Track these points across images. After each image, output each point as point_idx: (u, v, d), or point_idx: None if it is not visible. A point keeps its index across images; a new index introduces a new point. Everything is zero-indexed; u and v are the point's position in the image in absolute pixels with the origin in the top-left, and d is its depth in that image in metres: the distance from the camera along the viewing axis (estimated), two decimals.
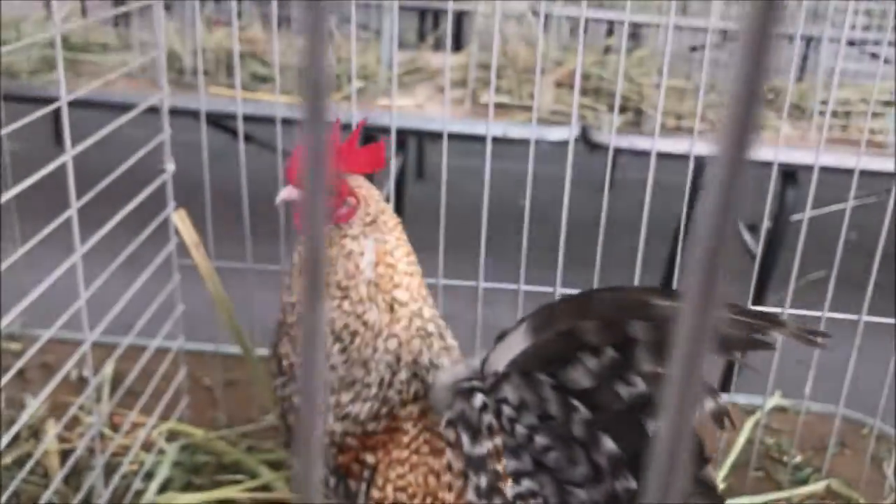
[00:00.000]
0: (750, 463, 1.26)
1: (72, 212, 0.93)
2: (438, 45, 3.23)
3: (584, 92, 2.62)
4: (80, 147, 0.97)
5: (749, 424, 1.29)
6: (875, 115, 2.54)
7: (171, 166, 1.15)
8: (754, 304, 2.10)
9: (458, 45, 3.45)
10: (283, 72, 2.42)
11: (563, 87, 2.66)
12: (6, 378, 0.92)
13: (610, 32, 3.79)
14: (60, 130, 0.96)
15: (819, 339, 0.81)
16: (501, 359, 0.90)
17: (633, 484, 0.86)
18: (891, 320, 1.25)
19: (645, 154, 1.45)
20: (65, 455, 1.20)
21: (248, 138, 2.25)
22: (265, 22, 2.87)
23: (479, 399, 0.91)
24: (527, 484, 0.91)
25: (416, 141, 3.48)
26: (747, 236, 2.61)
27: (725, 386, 2.16)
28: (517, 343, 0.89)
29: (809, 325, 0.88)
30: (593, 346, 0.84)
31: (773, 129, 2.60)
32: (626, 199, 1.33)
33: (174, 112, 1.21)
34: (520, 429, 0.91)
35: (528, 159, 1.30)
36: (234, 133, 2.20)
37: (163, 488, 1.15)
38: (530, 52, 2.72)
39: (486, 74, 2.66)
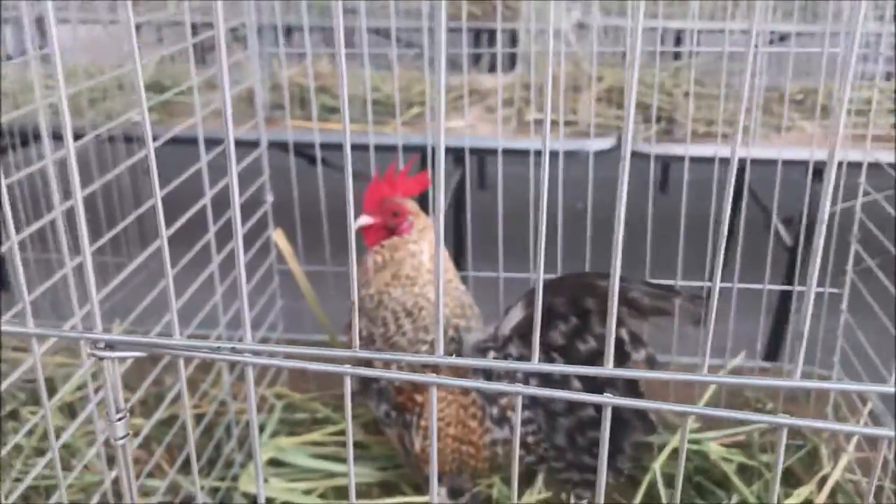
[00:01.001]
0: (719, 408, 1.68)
1: (209, 236, 1.41)
2: (493, 67, 3.69)
3: (620, 105, 3.05)
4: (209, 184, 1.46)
5: (721, 373, 1.71)
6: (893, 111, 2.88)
7: (270, 198, 1.64)
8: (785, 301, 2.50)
9: (512, 63, 3.89)
10: (350, 103, 2.92)
11: (603, 101, 3.09)
12: (160, 365, 1.42)
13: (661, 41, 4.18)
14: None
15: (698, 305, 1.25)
16: (507, 326, 1.36)
17: (592, 412, 1.32)
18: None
19: (679, 159, 1.86)
20: (199, 418, 1.69)
21: (322, 163, 2.76)
22: (332, 58, 3.37)
23: (491, 354, 1.37)
24: (526, 413, 1.37)
25: (475, 156, 3.96)
26: (782, 230, 2.98)
27: (773, 353, 2.56)
28: (517, 315, 1.35)
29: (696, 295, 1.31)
30: (563, 315, 1.29)
31: (801, 129, 2.97)
32: (673, 199, 1.72)
33: (257, 143, 1.70)
34: (519, 374, 1.36)
35: (577, 166, 1.77)
36: (309, 159, 2.70)
37: (272, 437, 1.64)
38: (572, 69, 3.15)
39: (529, 93, 3.11)
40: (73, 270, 1.03)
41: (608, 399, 0.64)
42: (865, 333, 1.57)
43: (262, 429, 1.67)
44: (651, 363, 1.26)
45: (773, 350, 2.52)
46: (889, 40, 3.54)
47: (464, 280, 1.67)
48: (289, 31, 4.30)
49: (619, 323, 1.25)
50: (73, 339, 0.67)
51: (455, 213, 3.06)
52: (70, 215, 0.95)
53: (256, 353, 0.66)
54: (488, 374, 1.37)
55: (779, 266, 2.66)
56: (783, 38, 3.87)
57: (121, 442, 0.71)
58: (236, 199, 0.62)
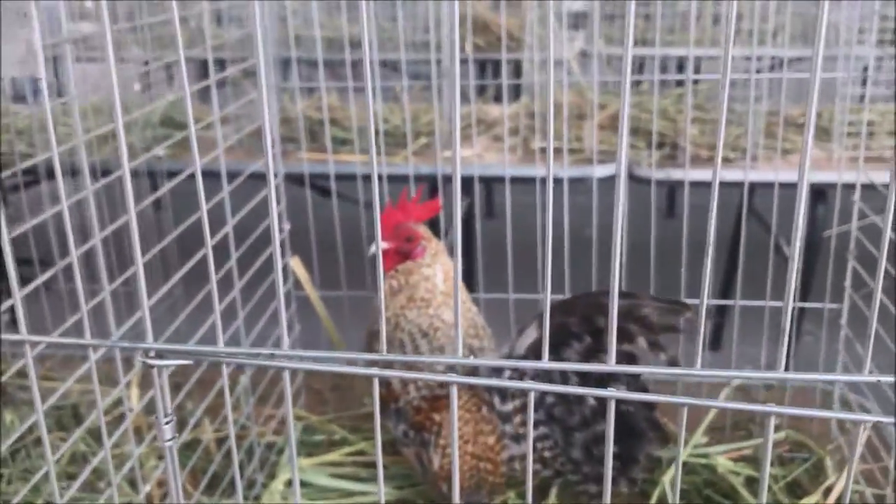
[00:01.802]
0: (726, 424, 1.75)
1: (232, 262, 1.50)
2: (498, 97, 3.79)
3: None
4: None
5: (724, 392, 1.78)
6: (891, 133, 2.96)
7: (287, 226, 1.72)
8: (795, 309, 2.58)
9: (517, 93, 3.99)
10: (360, 134, 3.03)
11: (607, 129, 3.18)
12: (182, 392, 1.50)
13: (664, 69, 4.30)
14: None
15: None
16: (522, 345, 1.44)
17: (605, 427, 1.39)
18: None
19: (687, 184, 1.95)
20: (220, 441, 1.77)
21: (332, 194, 2.86)
22: (340, 91, 3.48)
23: (506, 374, 1.44)
24: (542, 429, 1.44)
25: (483, 185, 4.06)
26: (787, 250, 3.06)
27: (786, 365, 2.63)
28: (531, 334, 1.43)
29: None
30: (577, 334, 1.36)
31: (800, 151, 3.05)
32: (679, 224, 1.80)
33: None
34: (534, 392, 1.44)
35: (581, 194, 1.86)
36: (320, 189, 2.80)
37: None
38: (575, 98, 3.25)
39: (533, 122, 3.21)
40: (112, 293, 1.11)
41: (613, 393, 0.71)
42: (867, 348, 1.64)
43: (280, 451, 1.74)
44: (674, 363, 1.33)
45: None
46: (889, 63, 3.64)
47: (475, 302, 1.75)
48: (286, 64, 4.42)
49: (630, 339, 1.32)
50: (127, 349, 0.75)
51: (465, 240, 3.15)
52: (106, 242, 1.04)
53: (294, 359, 0.74)
54: (503, 395, 1.45)
55: (783, 286, 2.73)
56: (783, 63, 3.97)
57: (168, 444, 0.79)
58: (274, 216, 0.71)
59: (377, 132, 3.04)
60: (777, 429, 1.78)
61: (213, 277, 0.75)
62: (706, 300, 0.73)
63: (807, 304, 1.80)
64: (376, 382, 0.74)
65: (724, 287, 3.57)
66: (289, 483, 1.66)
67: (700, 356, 0.72)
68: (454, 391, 0.73)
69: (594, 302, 1.35)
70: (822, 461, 1.68)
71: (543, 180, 2.01)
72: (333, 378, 1.93)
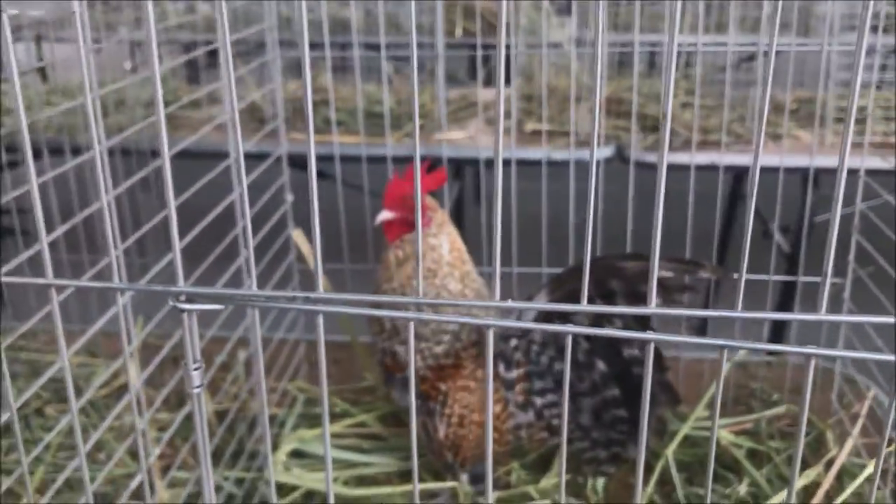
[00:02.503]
0: (728, 400, 1.76)
1: (246, 220, 1.49)
2: (489, 81, 3.79)
3: (618, 115, 3.15)
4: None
5: (725, 368, 1.79)
6: (889, 119, 2.99)
7: (290, 197, 1.71)
8: (787, 295, 2.61)
9: (507, 78, 3.99)
10: (351, 115, 3.01)
11: (600, 112, 3.19)
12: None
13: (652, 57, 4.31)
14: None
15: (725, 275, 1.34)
16: (530, 313, 1.43)
17: (616, 392, 1.39)
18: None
19: (677, 167, 1.95)
20: (220, 415, 1.76)
21: (321, 175, 2.84)
22: (333, 72, 3.46)
23: (512, 341, 1.44)
24: (550, 397, 1.44)
25: (472, 169, 4.05)
26: (780, 237, 3.08)
27: (778, 337, 2.65)
28: (540, 300, 1.42)
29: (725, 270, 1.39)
30: (589, 298, 1.36)
31: (794, 137, 3.08)
32: (671, 207, 1.80)
33: (262, 156, 1.78)
34: (543, 359, 1.44)
35: (572, 177, 1.87)
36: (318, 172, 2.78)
37: (293, 430, 1.71)
38: (568, 81, 3.25)
39: (527, 105, 3.21)
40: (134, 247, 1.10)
41: (652, 335, 0.71)
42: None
43: (283, 423, 1.73)
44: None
45: (778, 342, 2.61)
46: (883, 50, 3.66)
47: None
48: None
49: (645, 301, 1.32)
50: (157, 293, 0.75)
51: (457, 223, 3.15)
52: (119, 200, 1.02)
53: (328, 302, 0.74)
54: (508, 362, 1.45)
55: (778, 272, 2.75)
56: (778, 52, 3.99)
57: (196, 391, 0.78)
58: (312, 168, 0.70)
59: (381, 115, 3.04)
60: (777, 403, 1.79)
61: (248, 213, 0.75)
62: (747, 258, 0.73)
63: (808, 279, 1.81)
64: (411, 326, 0.74)
65: (720, 264, 3.59)
66: (292, 454, 1.65)
67: (740, 301, 0.73)
68: (490, 336, 0.72)
69: (608, 265, 1.35)
70: (823, 434, 1.70)
71: (538, 163, 2.03)
72: (334, 351, 1.92)
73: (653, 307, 0.70)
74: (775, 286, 2.06)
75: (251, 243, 0.75)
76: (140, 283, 0.79)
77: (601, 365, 1.39)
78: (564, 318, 1.40)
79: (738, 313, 0.71)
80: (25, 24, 3.38)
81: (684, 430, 1.65)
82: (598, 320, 1.37)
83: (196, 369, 0.78)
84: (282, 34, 3.02)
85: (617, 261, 1.36)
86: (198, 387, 0.79)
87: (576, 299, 1.37)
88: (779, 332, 2.67)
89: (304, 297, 0.74)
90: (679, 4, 0.63)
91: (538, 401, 1.45)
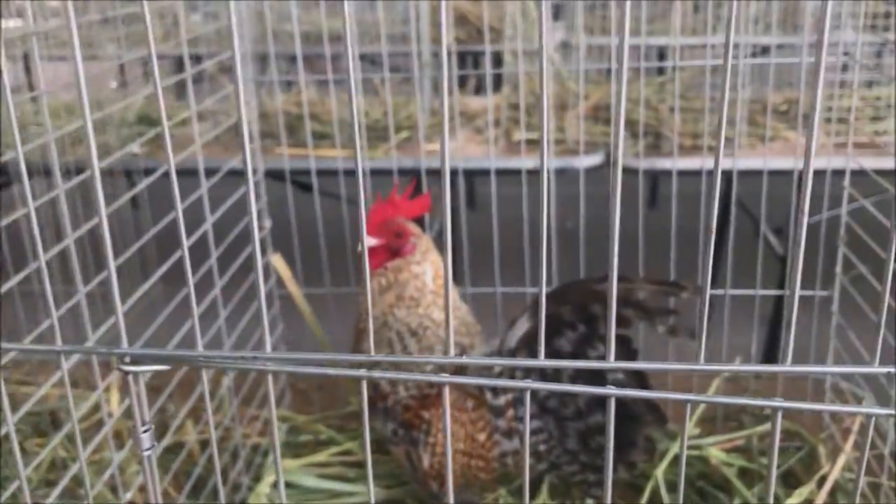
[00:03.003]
0: (718, 415, 1.73)
1: (212, 261, 1.46)
2: (478, 89, 3.76)
3: (606, 121, 3.12)
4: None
5: (714, 383, 1.76)
6: (877, 118, 2.95)
7: (268, 223, 1.68)
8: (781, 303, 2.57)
9: (497, 86, 3.96)
10: (340, 129, 2.98)
11: (589, 119, 3.15)
12: (162, 398, 1.46)
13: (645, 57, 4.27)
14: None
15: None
16: (513, 338, 1.40)
17: (601, 418, 1.35)
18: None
19: (667, 173, 1.92)
20: (203, 444, 1.72)
21: (306, 188, 2.81)
22: (319, 85, 3.43)
23: (496, 368, 1.41)
24: (535, 423, 1.41)
25: (464, 177, 4.02)
26: (773, 239, 3.04)
27: (771, 356, 2.62)
28: (522, 326, 1.39)
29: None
30: (570, 323, 1.33)
31: (784, 140, 3.05)
32: (661, 212, 1.77)
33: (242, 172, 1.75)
34: (525, 378, 1.40)
35: (565, 184, 1.83)
36: (299, 185, 2.76)
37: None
38: (556, 88, 3.22)
39: (515, 114, 3.18)
40: (87, 295, 1.07)
41: (612, 391, 0.68)
42: (858, 333, 1.62)
43: (266, 452, 1.70)
44: (673, 332, 1.29)
45: (770, 358, 2.58)
46: (868, 49, 3.63)
47: (462, 298, 1.73)
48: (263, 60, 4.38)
49: (626, 324, 1.29)
50: (101, 355, 0.71)
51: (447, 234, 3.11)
52: (81, 242, 0.99)
53: (277, 361, 0.70)
54: (495, 389, 1.42)
55: (771, 276, 2.72)
56: (765, 50, 3.96)
57: (147, 452, 0.75)
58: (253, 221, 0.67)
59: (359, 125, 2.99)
60: (769, 418, 1.75)
61: (191, 279, 0.72)
62: (708, 290, 0.70)
63: (797, 293, 1.78)
64: (364, 385, 0.71)
65: (712, 275, 3.56)
66: (275, 485, 1.62)
67: (702, 350, 0.69)
68: (446, 392, 0.69)
69: (587, 289, 1.31)
70: (815, 450, 1.67)
71: (528, 172, 1.99)
72: (319, 377, 1.89)
73: (611, 362, 0.67)
74: (769, 285, 2.03)
75: (195, 307, 0.72)
76: (88, 342, 0.76)
77: (580, 396, 1.36)
78: (549, 344, 1.36)
79: (702, 366, 0.68)
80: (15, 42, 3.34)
81: (674, 449, 1.62)
82: (582, 345, 1.34)
83: (145, 431, 0.75)
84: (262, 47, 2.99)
85: (597, 284, 1.33)
86: (148, 449, 0.75)
87: (556, 324, 1.34)
88: (771, 344, 2.63)
89: (252, 357, 0.70)
90: (628, 4, 0.60)
91: (522, 427, 1.42)
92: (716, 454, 1.65)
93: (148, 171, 1.59)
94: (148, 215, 2.04)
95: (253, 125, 2.61)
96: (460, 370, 1.46)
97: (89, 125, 0.68)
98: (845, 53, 3.02)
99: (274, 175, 2.19)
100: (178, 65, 4.19)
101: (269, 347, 0.71)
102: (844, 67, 2.96)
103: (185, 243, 0.70)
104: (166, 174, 1.52)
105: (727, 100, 0.63)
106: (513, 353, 1.40)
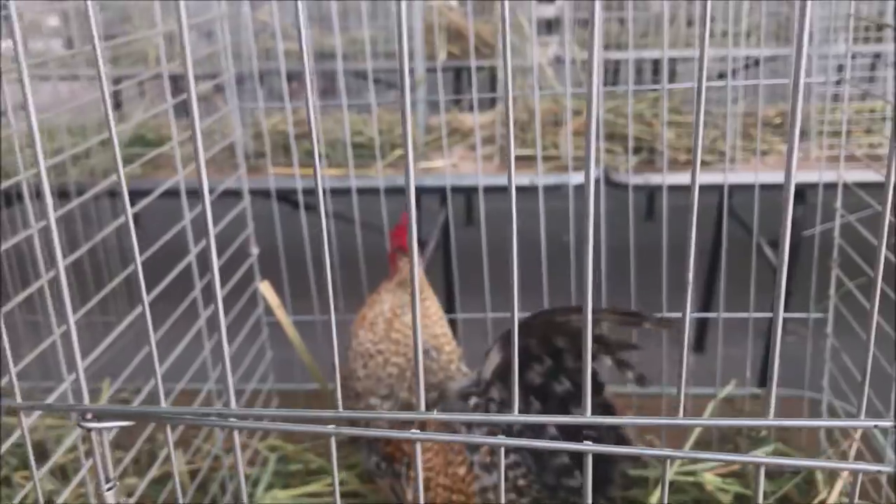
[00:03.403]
0: (713, 438, 1.69)
1: (197, 292, 1.43)
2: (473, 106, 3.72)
3: (602, 137, 3.08)
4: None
5: (709, 406, 1.73)
6: (871, 131, 2.92)
7: (255, 250, 1.65)
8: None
9: (493, 101, 3.92)
10: (333, 147, 2.95)
11: (582, 135, 3.12)
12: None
13: (639, 71, 4.26)
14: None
15: (671, 327, 1.27)
16: (487, 370, 1.37)
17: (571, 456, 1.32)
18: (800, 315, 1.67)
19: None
20: (193, 473, 1.69)
21: (306, 208, 2.78)
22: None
23: (473, 401, 1.38)
24: (513, 457, 1.37)
25: (461, 194, 4.00)
26: (770, 253, 3.01)
27: (765, 379, 2.57)
28: (495, 358, 1.36)
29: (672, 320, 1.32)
30: (538, 356, 1.30)
31: (778, 153, 3.02)
32: (659, 227, 1.74)
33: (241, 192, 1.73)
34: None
35: (560, 200, 1.81)
36: (293, 204, 2.72)
37: (267, 490, 1.64)
38: (550, 104, 3.20)
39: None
40: (60, 337, 1.04)
41: (589, 447, 0.65)
42: (853, 353, 1.59)
43: (256, 482, 1.67)
44: (641, 381, 1.27)
45: (766, 376, 2.53)
46: (862, 61, 3.60)
47: (452, 322, 1.70)
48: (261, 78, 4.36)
49: (592, 359, 1.26)
50: (61, 411, 0.68)
51: (443, 252, 3.08)
52: (55, 283, 0.96)
53: (242, 418, 0.67)
54: (469, 423, 1.38)
55: (767, 289, 2.68)
56: (758, 62, 3.93)
57: None
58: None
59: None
60: (765, 440, 1.72)
61: (153, 337, 0.69)
62: (688, 317, 0.67)
63: (791, 315, 1.74)
64: (333, 441, 0.68)
65: (707, 290, 3.53)
66: None
67: (682, 405, 0.66)
68: (418, 448, 0.66)
69: (551, 322, 1.28)
70: (812, 474, 1.63)
71: (519, 189, 1.96)
72: (308, 401, 1.85)
73: (587, 416, 0.64)
74: (765, 298, 1.99)
75: (158, 367, 0.69)
76: (48, 399, 0.73)
77: (552, 429, 1.31)
78: (518, 377, 1.33)
79: (682, 420, 0.65)
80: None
81: (668, 476, 1.58)
82: (549, 378, 1.31)
83: (109, 489, 0.72)
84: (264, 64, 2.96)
85: (561, 315, 1.29)
86: None
87: (525, 357, 1.31)
88: (768, 361, 2.59)
89: (217, 414, 0.67)
90: (599, 20, 0.58)
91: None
92: (711, 479, 1.61)
93: (139, 193, 1.56)
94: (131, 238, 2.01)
95: (248, 145, 2.58)
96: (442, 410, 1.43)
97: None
98: (839, 67, 3.00)
99: (266, 195, 2.16)
100: (175, 83, 4.16)
101: (233, 403, 0.68)
102: (838, 81, 2.94)
103: (145, 296, 0.67)
104: (159, 197, 1.50)
105: (702, 124, 0.60)
106: (488, 385, 1.37)
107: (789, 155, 0.58)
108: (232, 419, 0.67)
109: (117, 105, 3.71)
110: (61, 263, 0.65)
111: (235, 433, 0.69)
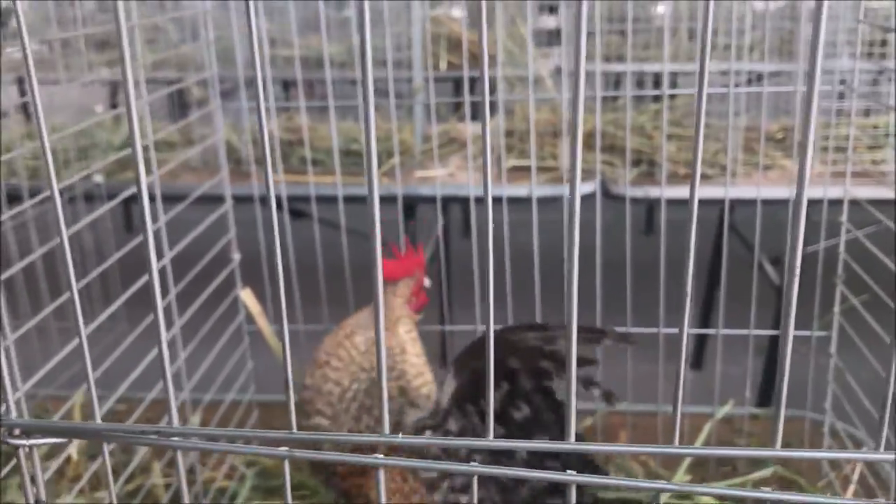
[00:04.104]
0: (709, 461, 1.61)
1: (171, 297, 1.35)
2: (473, 115, 3.65)
3: (602, 149, 3.01)
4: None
5: (706, 427, 1.64)
6: (875, 147, 2.85)
7: (237, 256, 1.58)
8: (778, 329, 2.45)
9: (493, 111, 3.86)
10: (328, 155, 2.88)
11: (583, 147, 3.05)
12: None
13: (640, 83, 4.19)
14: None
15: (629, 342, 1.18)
16: (444, 397, 1.27)
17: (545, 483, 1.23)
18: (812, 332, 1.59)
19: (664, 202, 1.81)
20: (167, 486, 1.61)
21: (300, 214, 2.70)
22: (309, 111, 3.34)
23: (427, 434, 1.27)
24: (480, 493, 1.27)
25: (459, 205, 3.92)
26: (770, 269, 2.93)
27: (765, 399, 2.49)
28: (450, 384, 1.27)
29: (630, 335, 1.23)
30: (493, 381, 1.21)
31: (780, 168, 2.94)
32: (657, 241, 1.68)
33: (234, 197, 1.66)
34: (462, 451, 1.26)
35: (560, 211, 1.73)
36: (292, 212, 2.65)
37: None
38: (549, 115, 3.13)
39: (508, 140, 3.08)
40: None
41: (573, 478, 0.57)
42: (856, 373, 1.51)
43: (233, 496, 1.59)
44: (609, 398, 1.18)
45: (766, 395, 2.45)
46: (864, 77, 3.53)
47: (445, 333, 1.62)
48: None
49: (547, 377, 1.19)
50: None
51: (439, 263, 3.01)
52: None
53: (184, 436, 0.59)
54: (423, 456, 1.28)
55: (768, 306, 2.60)
56: (760, 77, 3.87)
57: None
58: None
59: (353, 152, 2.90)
60: (765, 462, 1.64)
61: (84, 335, 0.61)
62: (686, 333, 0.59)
63: (793, 333, 1.67)
64: (287, 465, 0.60)
65: (706, 306, 3.44)
66: None
67: (678, 430, 0.59)
68: (381, 475, 0.58)
69: (503, 340, 1.19)
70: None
71: (513, 200, 1.90)
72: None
73: (571, 443, 0.56)
74: (765, 315, 1.92)
75: (92, 376, 0.61)
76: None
77: (523, 454, 1.22)
78: (474, 401, 1.25)
79: (667, 448, 0.57)
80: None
81: (662, 498, 1.50)
82: (506, 404, 1.23)
83: None
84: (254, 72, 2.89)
85: (513, 334, 1.20)
86: None
87: (478, 380, 1.21)
88: (768, 380, 2.51)
89: (154, 432, 0.59)
90: (584, 34, 0.51)
91: (463, 499, 1.28)
92: (707, 502, 1.53)
93: (112, 197, 1.49)
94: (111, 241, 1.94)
95: (242, 151, 2.50)
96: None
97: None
98: (842, 81, 2.93)
99: (265, 201, 2.08)
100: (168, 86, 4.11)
101: (175, 421, 0.60)
102: (841, 95, 2.87)
103: (75, 284, 0.59)
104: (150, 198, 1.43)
105: (702, 136, 0.53)
106: (445, 415, 1.27)
107: (802, 161, 0.51)
108: (174, 438, 0.60)
109: (113, 106, 3.65)
110: None
111: (179, 454, 0.61)
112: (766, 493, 0.59)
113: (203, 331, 1.51)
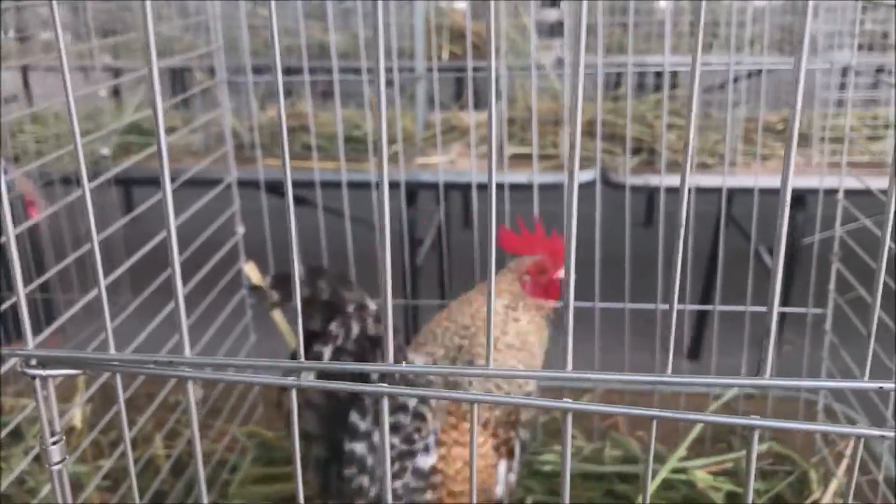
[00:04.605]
0: (706, 437, 1.63)
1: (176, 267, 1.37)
2: (476, 104, 3.68)
3: (602, 137, 3.03)
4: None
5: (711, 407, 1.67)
6: (875, 138, 2.87)
7: (241, 229, 1.60)
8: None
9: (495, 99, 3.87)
10: (330, 141, 2.91)
11: (584, 135, 3.08)
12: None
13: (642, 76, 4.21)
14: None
15: None
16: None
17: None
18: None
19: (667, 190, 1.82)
20: (168, 457, 1.63)
21: (301, 201, 2.72)
22: (312, 98, 3.36)
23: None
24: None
25: (457, 193, 3.94)
26: (767, 258, 2.96)
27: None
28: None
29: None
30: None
31: (779, 158, 2.96)
32: (656, 234, 1.69)
33: (239, 183, 1.68)
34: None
35: (558, 200, 1.75)
36: (295, 197, 2.66)
37: (244, 478, 1.58)
38: (550, 103, 3.15)
39: (509, 128, 3.10)
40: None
41: (569, 405, 0.60)
42: (852, 352, 1.53)
43: (234, 469, 1.61)
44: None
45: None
46: (865, 68, 3.56)
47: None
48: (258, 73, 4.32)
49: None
50: (4, 357, 0.63)
51: (439, 250, 3.03)
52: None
53: (197, 366, 0.62)
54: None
55: (763, 294, 2.62)
56: (761, 72, 3.89)
57: (56, 468, 0.67)
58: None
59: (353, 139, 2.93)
60: (759, 440, 1.66)
61: (101, 279, 0.63)
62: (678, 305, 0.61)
63: (788, 309, 1.69)
64: (293, 394, 0.62)
65: (704, 295, 3.47)
66: None
67: (670, 363, 0.61)
68: (385, 403, 0.61)
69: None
70: (806, 474, 1.57)
71: (513, 187, 1.92)
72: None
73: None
74: (762, 302, 1.93)
75: (107, 309, 0.63)
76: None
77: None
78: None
79: (672, 377, 0.60)
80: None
81: (661, 474, 1.52)
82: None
83: (55, 443, 0.66)
84: (259, 60, 2.92)
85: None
86: (58, 463, 0.67)
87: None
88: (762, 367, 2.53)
89: (167, 362, 0.62)
90: (583, 26, 0.53)
91: None
92: (702, 477, 1.55)
93: (129, 181, 1.52)
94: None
95: (246, 136, 2.53)
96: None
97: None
98: (842, 71, 2.95)
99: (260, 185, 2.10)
100: (172, 76, 4.13)
101: (187, 351, 0.62)
102: (841, 86, 2.89)
103: (98, 252, 0.62)
104: (150, 182, 1.45)
105: (694, 126, 0.55)
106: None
107: (790, 126, 0.53)
108: (185, 368, 0.62)
109: (116, 93, 3.67)
110: (11, 231, 0.60)
111: (189, 383, 0.63)
112: (759, 422, 0.61)
113: (203, 305, 1.53)
